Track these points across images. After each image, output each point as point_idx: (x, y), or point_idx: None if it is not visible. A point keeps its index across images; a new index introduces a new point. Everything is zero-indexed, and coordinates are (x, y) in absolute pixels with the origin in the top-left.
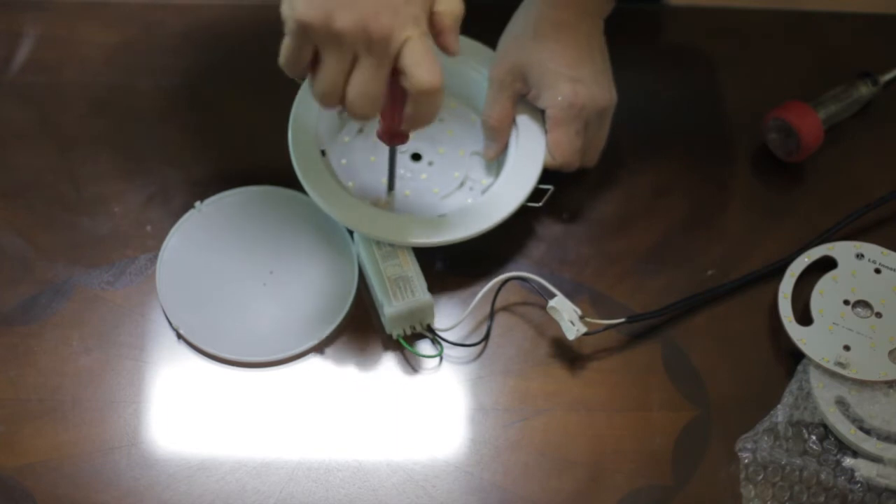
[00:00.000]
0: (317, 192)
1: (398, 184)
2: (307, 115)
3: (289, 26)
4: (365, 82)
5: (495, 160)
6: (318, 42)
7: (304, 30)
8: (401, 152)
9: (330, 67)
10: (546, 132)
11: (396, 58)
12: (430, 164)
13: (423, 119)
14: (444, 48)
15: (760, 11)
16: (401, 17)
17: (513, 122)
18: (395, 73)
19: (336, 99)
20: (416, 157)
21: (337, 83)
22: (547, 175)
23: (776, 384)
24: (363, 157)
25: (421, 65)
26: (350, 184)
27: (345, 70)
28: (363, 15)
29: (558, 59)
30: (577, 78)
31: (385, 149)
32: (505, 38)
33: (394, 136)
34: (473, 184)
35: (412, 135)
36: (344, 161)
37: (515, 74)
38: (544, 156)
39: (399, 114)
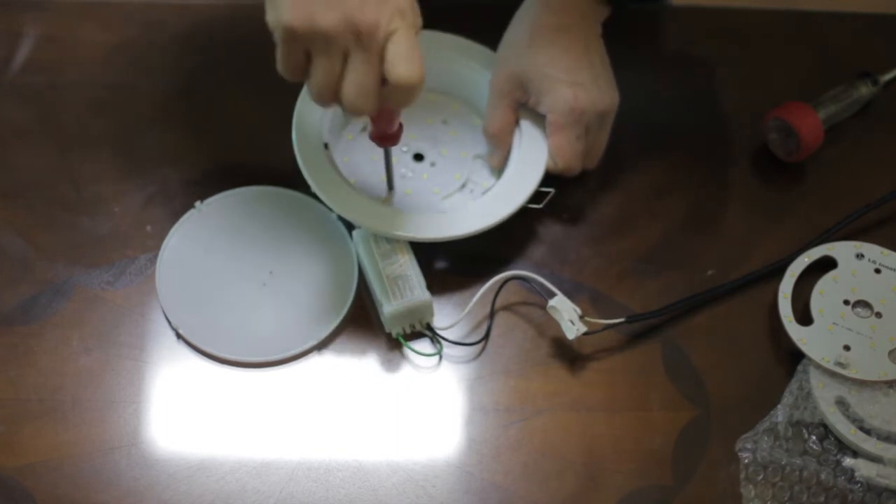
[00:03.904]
0: (317, 184)
1: (399, 183)
2: (311, 108)
3: (277, 34)
4: (358, 78)
5: (500, 167)
6: (307, 44)
7: (292, 35)
8: (402, 152)
9: (322, 67)
10: (547, 137)
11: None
12: (433, 164)
13: (398, 106)
14: None
15: (760, 11)
16: (386, 8)
17: (514, 129)
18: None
19: (331, 97)
20: (419, 157)
21: (330, 82)
22: (548, 177)
23: (776, 384)
24: (365, 156)
25: (404, 58)
26: (352, 181)
27: (336, 69)
28: (347, 10)
29: (557, 64)
30: (576, 82)
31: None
32: (503, 45)
33: (385, 138)
34: (475, 186)
35: (415, 136)
36: (346, 158)
37: (514, 82)
38: (546, 160)
39: (388, 115)
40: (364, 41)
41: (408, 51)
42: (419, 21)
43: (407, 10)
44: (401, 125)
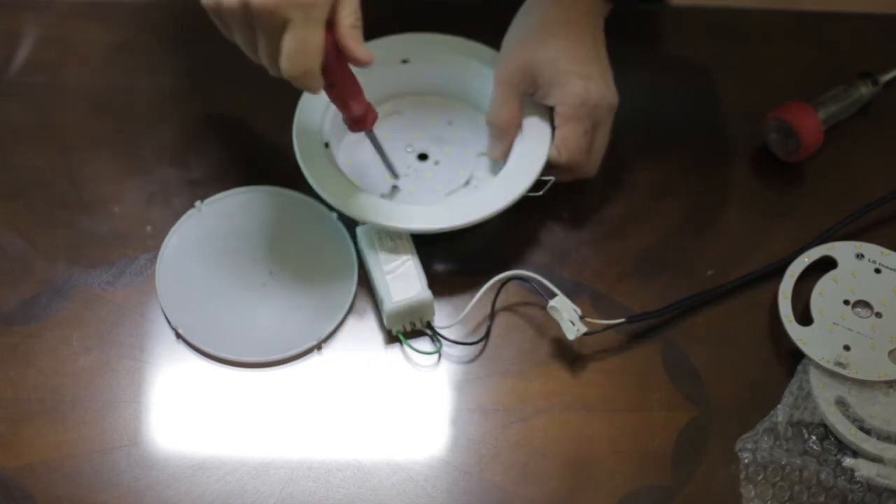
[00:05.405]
0: (316, 180)
1: (402, 181)
2: (312, 108)
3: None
4: (265, 51)
5: (502, 159)
6: (220, 20)
7: (210, 11)
8: (407, 152)
9: (237, 38)
10: (554, 128)
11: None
12: (437, 163)
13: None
14: (349, 58)
15: (760, 11)
16: None
17: (520, 121)
18: (339, 59)
19: (255, 60)
20: (423, 156)
21: (249, 51)
22: (548, 171)
23: (776, 384)
24: (369, 156)
25: (286, 54)
26: (354, 180)
27: (251, 41)
28: None
29: (568, 56)
30: (587, 75)
31: (388, 146)
32: (509, 40)
33: (354, 123)
34: (478, 182)
35: (420, 136)
36: (350, 160)
37: (523, 74)
38: (549, 150)
39: (350, 102)
40: (258, 23)
41: (290, 49)
42: (354, 17)
43: (314, 3)
44: (371, 110)
